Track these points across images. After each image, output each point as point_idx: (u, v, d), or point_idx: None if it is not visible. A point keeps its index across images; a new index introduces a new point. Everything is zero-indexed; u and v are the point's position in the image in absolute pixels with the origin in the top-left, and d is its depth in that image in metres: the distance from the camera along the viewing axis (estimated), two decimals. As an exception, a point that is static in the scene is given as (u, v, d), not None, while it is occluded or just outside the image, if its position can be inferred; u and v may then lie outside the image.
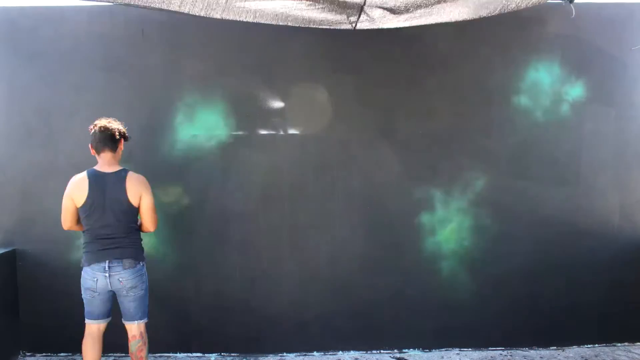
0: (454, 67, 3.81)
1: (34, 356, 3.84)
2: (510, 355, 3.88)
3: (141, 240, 3.12)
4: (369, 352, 3.92)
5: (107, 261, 2.90)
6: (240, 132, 3.77)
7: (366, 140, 3.81)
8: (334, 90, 3.78)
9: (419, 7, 2.88)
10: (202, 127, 3.75)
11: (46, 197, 3.73)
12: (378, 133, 3.81)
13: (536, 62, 3.84)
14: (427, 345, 3.95)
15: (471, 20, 3.11)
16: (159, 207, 3.74)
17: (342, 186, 3.83)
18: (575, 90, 3.87)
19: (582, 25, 3.77)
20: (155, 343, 3.83)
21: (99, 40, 3.69)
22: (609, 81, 3.89)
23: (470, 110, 3.84)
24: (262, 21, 3.05)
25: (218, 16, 2.96)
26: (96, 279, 2.92)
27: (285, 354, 3.89)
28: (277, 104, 3.77)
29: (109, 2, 2.86)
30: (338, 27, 3.19)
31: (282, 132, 3.78)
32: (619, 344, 4.02)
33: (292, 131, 3.79)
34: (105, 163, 2.99)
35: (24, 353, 3.84)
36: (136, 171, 3.08)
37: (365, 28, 3.21)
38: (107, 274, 2.91)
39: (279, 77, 3.76)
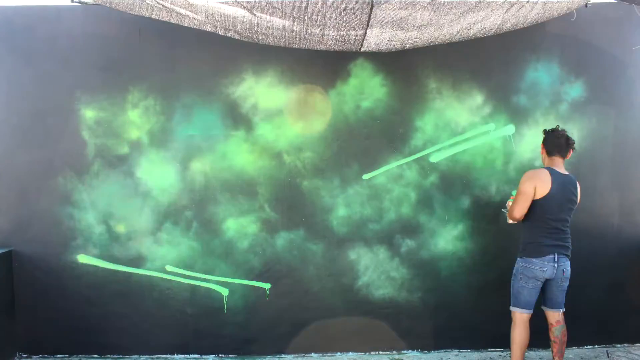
0: (453, 66, 3.79)
1: (30, 358, 3.82)
2: (510, 357, 3.85)
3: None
4: (367, 353, 3.91)
5: (556, 254, 3.20)
6: (238, 132, 3.75)
7: (365, 140, 3.80)
8: (333, 90, 3.76)
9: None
10: (199, 127, 3.74)
11: (43, 197, 3.72)
12: (376, 133, 3.79)
13: (536, 62, 3.82)
14: (426, 346, 3.93)
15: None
16: (156, 208, 3.76)
17: (340, 187, 3.81)
18: (575, 90, 3.86)
19: (581, 25, 3.75)
20: (153, 344, 3.83)
21: (95, 39, 3.67)
22: (608, 81, 3.87)
23: (469, 109, 3.82)
24: (271, 43, 3.17)
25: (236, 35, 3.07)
26: (545, 269, 3.19)
27: (283, 355, 3.88)
28: (276, 103, 3.75)
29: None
30: (345, 48, 3.24)
31: (281, 132, 3.77)
32: (619, 345, 4.00)
33: (291, 131, 3.77)
34: (559, 165, 3.28)
35: (20, 355, 3.82)
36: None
37: (370, 50, 3.28)
38: (555, 265, 3.19)
39: (278, 77, 3.75)
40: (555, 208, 3.19)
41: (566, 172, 3.27)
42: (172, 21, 3.01)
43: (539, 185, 3.17)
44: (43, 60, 3.67)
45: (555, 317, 3.32)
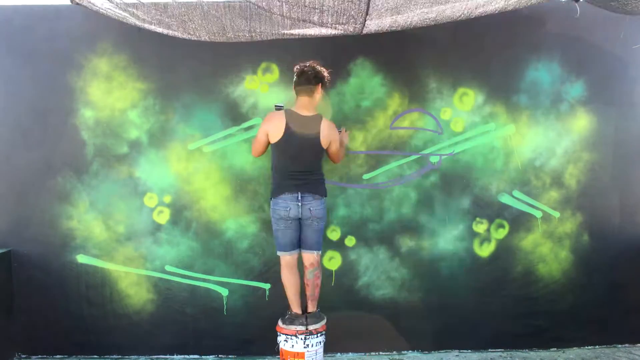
0: (453, 66, 3.78)
1: (29, 358, 3.81)
2: (510, 357, 3.85)
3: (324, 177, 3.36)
4: (367, 354, 3.90)
5: (299, 192, 3.17)
6: (237, 132, 3.74)
7: (364, 139, 3.79)
8: (333, 90, 3.75)
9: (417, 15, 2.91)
10: (199, 127, 3.73)
11: (42, 197, 3.71)
12: (375, 133, 3.78)
13: (536, 61, 3.81)
14: (426, 347, 3.92)
15: (468, 18, 3.08)
16: (156, 207, 3.75)
17: (340, 187, 3.80)
18: (575, 89, 3.85)
19: (582, 23, 3.74)
20: (152, 345, 3.82)
21: (94, 39, 3.66)
22: (609, 80, 3.86)
23: (469, 108, 3.81)
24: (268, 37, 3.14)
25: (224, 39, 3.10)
26: (289, 208, 3.16)
27: (283, 355, 3.87)
28: (276, 103, 3.74)
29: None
30: (345, 32, 3.20)
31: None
32: (620, 346, 3.99)
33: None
34: (302, 106, 3.21)
35: (19, 355, 3.81)
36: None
37: (371, 32, 3.23)
38: (299, 204, 3.17)
39: (278, 76, 3.73)
40: (292, 151, 3.15)
41: (311, 114, 3.20)
42: (170, 34, 3.01)
43: (271, 129, 3.16)
44: (42, 59, 3.66)
45: (309, 259, 3.29)
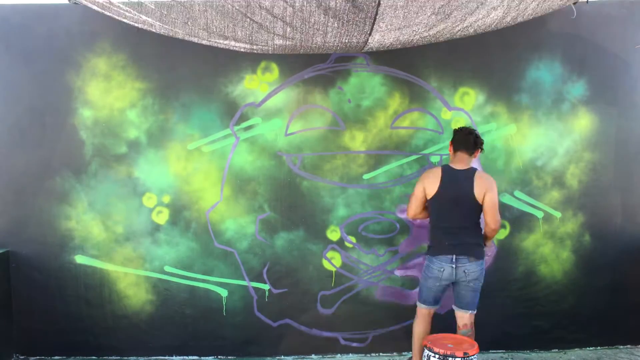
0: (454, 65, 3.76)
1: (27, 359, 3.79)
2: (512, 358, 3.83)
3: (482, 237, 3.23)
4: (368, 355, 3.88)
5: (454, 255, 3.08)
6: (237, 132, 3.72)
7: (365, 139, 3.77)
8: (333, 89, 3.73)
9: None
10: (198, 126, 3.71)
11: (40, 198, 3.69)
12: (376, 133, 3.76)
13: (537, 60, 3.79)
14: (426, 347, 3.90)
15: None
16: (154, 208, 3.73)
17: (340, 187, 3.78)
18: (577, 89, 3.83)
19: (583, 23, 3.73)
20: (151, 346, 3.80)
21: (93, 38, 3.64)
22: (611, 80, 3.84)
23: (470, 108, 3.79)
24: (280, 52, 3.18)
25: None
26: (443, 270, 3.10)
27: (282, 356, 3.85)
28: (276, 102, 3.73)
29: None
30: (348, 51, 3.27)
31: (280, 131, 3.74)
32: (622, 347, 3.97)
33: (291, 130, 3.74)
34: (459, 161, 3.19)
35: (17, 356, 3.79)
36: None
37: (374, 50, 3.27)
38: (454, 265, 3.09)
39: (278, 75, 3.71)
40: (447, 205, 3.11)
41: (468, 167, 3.18)
42: (169, 35, 3.01)
43: (427, 184, 3.16)
44: (40, 59, 3.64)
45: (462, 319, 3.18)
